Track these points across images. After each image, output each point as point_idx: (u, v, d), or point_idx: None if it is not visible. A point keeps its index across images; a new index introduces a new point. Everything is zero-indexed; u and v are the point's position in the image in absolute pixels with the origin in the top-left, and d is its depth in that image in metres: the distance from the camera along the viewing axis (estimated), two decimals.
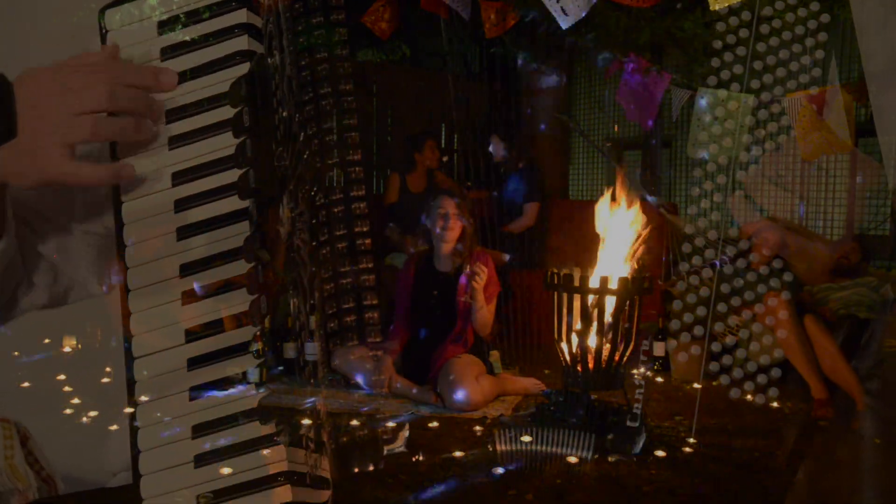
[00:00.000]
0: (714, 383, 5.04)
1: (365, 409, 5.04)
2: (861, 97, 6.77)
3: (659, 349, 6.33)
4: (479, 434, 4.61)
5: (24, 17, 1.57)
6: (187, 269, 1.03)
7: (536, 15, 6.59)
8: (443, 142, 9.92)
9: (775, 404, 5.19)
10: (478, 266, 5.15)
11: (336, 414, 4.81)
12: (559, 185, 9.84)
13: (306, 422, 0.94)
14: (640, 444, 4.29)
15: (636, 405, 4.35)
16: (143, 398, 1.03)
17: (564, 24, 6.00)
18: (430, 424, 4.75)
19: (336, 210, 0.90)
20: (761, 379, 4.19)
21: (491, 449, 4.34)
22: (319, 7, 0.93)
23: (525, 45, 8.44)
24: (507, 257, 7.08)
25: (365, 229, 0.90)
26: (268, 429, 1.00)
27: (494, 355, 5.62)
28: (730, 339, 5.38)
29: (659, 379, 6.12)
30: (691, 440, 4.49)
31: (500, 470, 3.92)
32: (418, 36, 9.68)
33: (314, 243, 0.91)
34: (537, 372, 5.92)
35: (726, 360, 4.11)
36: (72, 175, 0.97)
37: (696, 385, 5.70)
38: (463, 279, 5.26)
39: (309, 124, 0.91)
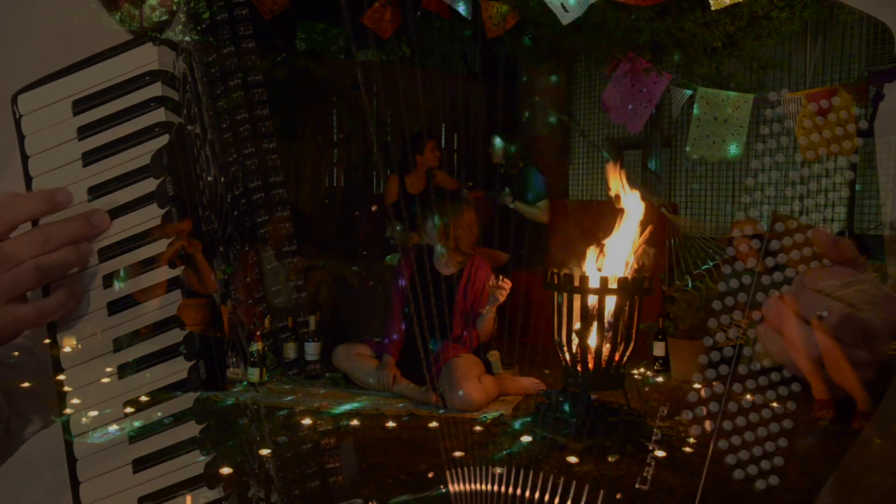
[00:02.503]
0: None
1: (365, 409, 5.04)
2: (861, 97, 6.84)
3: (659, 349, 6.34)
4: (478, 434, 4.62)
5: (17, 17, 1.56)
6: (121, 343, 1.03)
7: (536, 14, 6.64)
8: (443, 142, 9.97)
9: (775, 405, 5.19)
10: (503, 281, 5.19)
11: (336, 416, 4.81)
12: (559, 185, 9.89)
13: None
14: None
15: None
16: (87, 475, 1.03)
17: (565, 20, 6.04)
18: (430, 424, 4.76)
19: (270, 267, 0.89)
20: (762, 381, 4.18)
21: (491, 449, 4.33)
22: (235, 69, 0.93)
23: (525, 44, 8.50)
24: (506, 257, 7.11)
25: (300, 283, 0.89)
26: (215, 494, 0.99)
27: (494, 355, 5.64)
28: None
29: (659, 379, 6.12)
30: (691, 440, 4.48)
31: (499, 470, 3.90)
32: (418, 36, 9.76)
33: (249, 301, 0.90)
34: (537, 372, 5.95)
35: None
36: (38, 318, 0.99)
37: (695, 385, 5.70)
38: (472, 287, 5.31)
39: (235, 185, 0.90)
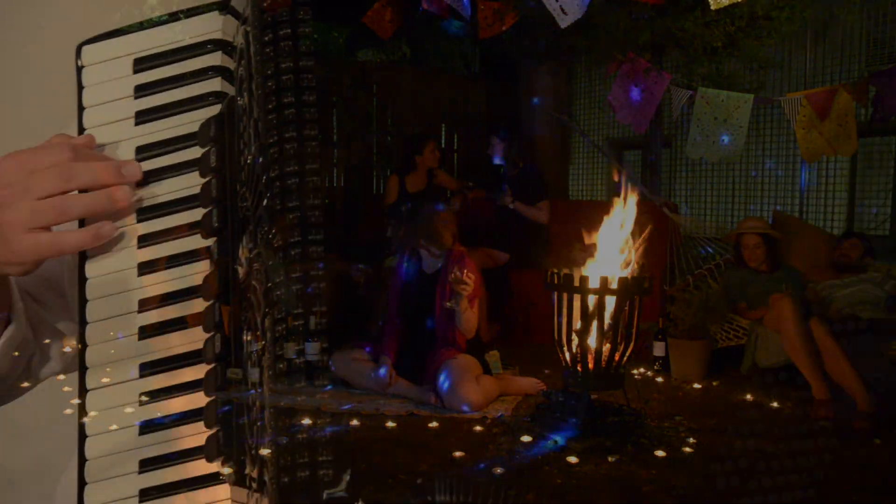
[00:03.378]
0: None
1: (366, 409, 5.05)
2: (861, 97, 6.81)
3: (659, 349, 6.34)
4: (478, 434, 4.64)
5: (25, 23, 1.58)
6: (146, 304, 1.06)
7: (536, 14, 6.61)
8: (443, 142, 9.96)
9: (775, 404, 5.21)
10: (466, 275, 5.17)
11: (336, 414, 4.82)
12: (559, 185, 9.87)
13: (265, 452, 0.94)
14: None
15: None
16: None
17: (563, 23, 6.00)
18: (430, 424, 4.80)
19: (293, 253, 0.91)
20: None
21: (491, 449, 4.35)
22: (289, 52, 0.94)
23: (525, 44, 8.46)
24: (506, 257, 7.10)
25: (321, 273, 0.91)
26: (214, 467, 1.01)
27: (494, 355, 5.67)
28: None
29: (659, 379, 6.13)
30: (691, 440, 4.49)
31: (499, 470, 3.92)
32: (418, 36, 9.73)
33: (269, 285, 0.92)
34: (537, 372, 6.00)
35: None
36: (53, 248, 1.01)
37: (696, 385, 5.73)
38: (445, 284, 5.29)
39: (272, 167, 0.92)
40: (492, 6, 6.85)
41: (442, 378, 5.16)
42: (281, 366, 0.91)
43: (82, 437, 1.05)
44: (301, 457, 0.89)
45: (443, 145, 9.85)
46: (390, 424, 4.74)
